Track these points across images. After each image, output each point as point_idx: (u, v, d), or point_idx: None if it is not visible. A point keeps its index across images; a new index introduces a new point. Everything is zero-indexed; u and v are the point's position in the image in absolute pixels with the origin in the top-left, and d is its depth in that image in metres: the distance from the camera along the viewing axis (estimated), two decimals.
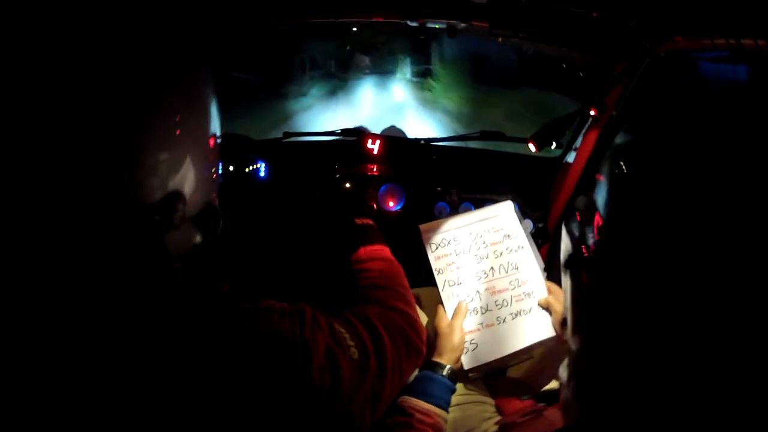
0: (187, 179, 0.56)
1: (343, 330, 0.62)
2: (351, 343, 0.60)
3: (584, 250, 0.42)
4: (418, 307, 1.12)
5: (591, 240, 0.40)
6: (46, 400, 0.47)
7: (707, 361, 0.31)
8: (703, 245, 0.32)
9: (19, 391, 0.47)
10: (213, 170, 0.63)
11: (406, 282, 0.83)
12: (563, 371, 0.47)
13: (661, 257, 0.33)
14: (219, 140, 0.64)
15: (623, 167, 0.40)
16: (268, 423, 0.53)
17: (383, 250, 0.88)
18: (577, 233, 0.44)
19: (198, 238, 0.59)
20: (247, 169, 1.33)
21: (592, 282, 0.40)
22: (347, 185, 1.33)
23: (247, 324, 0.55)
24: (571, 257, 0.45)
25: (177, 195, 0.54)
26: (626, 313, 0.35)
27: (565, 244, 0.48)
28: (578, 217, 0.44)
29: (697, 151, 0.35)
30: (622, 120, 1.18)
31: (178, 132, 0.55)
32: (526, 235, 1.02)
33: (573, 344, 0.44)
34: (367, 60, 5.98)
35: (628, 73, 1.05)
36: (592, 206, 0.41)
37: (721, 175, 0.33)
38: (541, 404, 0.90)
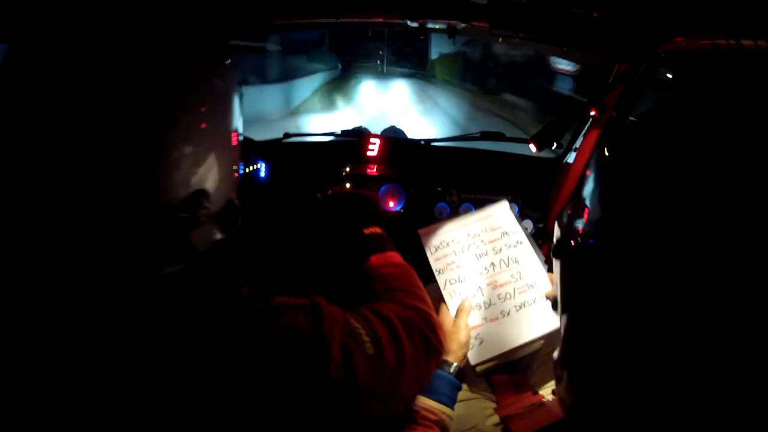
0: (210, 175, 0.55)
1: (358, 325, 0.61)
2: (366, 338, 0.60)
3: (572, 242, 0.43)
4: None
5: (579, 230, 0.42)
6: (67, 399, 0.47)
7: (687, 349, 0.32)
8: (682, 235, 0.32)
9: (39, 388, 0.47)
10: (235, 167, 0.62)
11: (420, 283, 0.83)
12: (556, 356, 0.48)
13: (643, 246, 0.34)
14: (241, 137, 0.63)
15: (608, 155, 0.42)
16: (285, 420, 0.52)
17: (394, 257, 0.89)
18: (566, 225, 0.46)
19: (219, 235, 0.59)
20: (247, 170, 1.33)
21: (577, 269, 0.42)
22: (347, 186, 1.33)
23: (262, 322, 0.55)
24: (558, 246, 0.46)
25: (202, 192, 0.54)
26: (610, 299, 0.37)
27: (557, 235, 0.50)
28: (569, 212, 0.46)
29: (680, 139, 0.36)
30: (621, 120, 1.18)
31: (203, 126, 0.54)
32: (524, 232, 1.02)
33: (563, 329, 0.47)
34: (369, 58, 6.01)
35: (628, 73, 1.05)
36: (581, 201, 0.43)
37: (704, 166, 0.33)
38: (543, 397, 0.90)
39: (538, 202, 1.42)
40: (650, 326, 0.34)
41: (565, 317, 0.45)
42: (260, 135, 1.48)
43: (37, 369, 0.47)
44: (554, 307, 0.49)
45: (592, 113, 1.15)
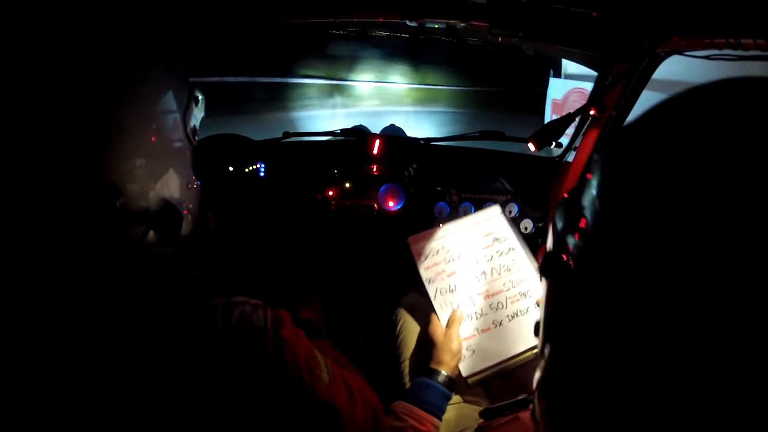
0: (126, 174, 0.55)
1: (318, 355, 0.64)
2: (323, 368, 0.63)
3: (564, 256, 0.36)
4: (410, 315, 1.13)
5: (572, 244, 0.35)
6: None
7: (689, 384, 0.28)
8: (697, 259, 0.27)
9: None
10: (173, 173, 0.61)
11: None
12: (536, 381, 0.44)
13: (650, 265, 0.28)
14: (183, 142, 0.63)
15: (615, 160, 0.34)
16: (242, 412, 0.54)
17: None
18: (558, 238, 0.39)
19: (151, 234, 0.59)
20: (246, 170, 1.33)
21: (567, 290, 0.36)
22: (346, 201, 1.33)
23: (220, 314, 0.56)
24: (547, 261, 0.39)
25: (112, 187, 0.54)
26: (603, 325, 0.32)
27: (548, 247, 0.42)
28: (561, 222, 0.39)
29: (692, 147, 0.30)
30: (621, 119, 1.18)
31: (115, 119, 0.55)
32: (517, 237, 1.01)
33: (544, 356, 0.41)
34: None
35: (627, 73, 1.05)
36: (578, 209, 0.36)
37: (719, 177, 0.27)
38: (519, 408, 0.89)
39: (538, 202, 1.42)
40: (646, 367, 0.29)
41: (548, 346, 0.40)
42: None
43: None
44: (536, 332, 0.43)
45: (592, 112, 1.15)
